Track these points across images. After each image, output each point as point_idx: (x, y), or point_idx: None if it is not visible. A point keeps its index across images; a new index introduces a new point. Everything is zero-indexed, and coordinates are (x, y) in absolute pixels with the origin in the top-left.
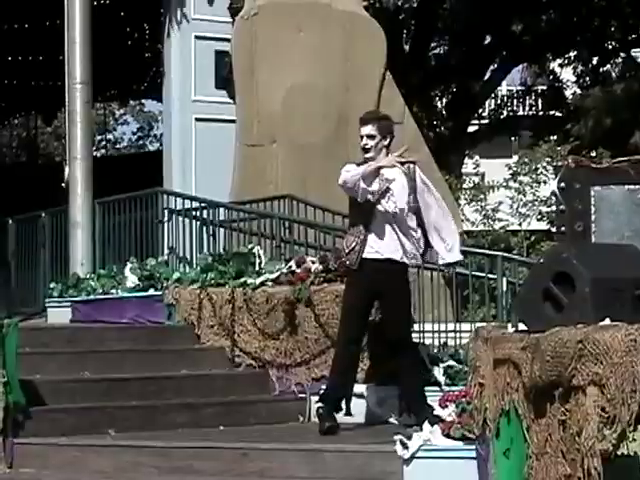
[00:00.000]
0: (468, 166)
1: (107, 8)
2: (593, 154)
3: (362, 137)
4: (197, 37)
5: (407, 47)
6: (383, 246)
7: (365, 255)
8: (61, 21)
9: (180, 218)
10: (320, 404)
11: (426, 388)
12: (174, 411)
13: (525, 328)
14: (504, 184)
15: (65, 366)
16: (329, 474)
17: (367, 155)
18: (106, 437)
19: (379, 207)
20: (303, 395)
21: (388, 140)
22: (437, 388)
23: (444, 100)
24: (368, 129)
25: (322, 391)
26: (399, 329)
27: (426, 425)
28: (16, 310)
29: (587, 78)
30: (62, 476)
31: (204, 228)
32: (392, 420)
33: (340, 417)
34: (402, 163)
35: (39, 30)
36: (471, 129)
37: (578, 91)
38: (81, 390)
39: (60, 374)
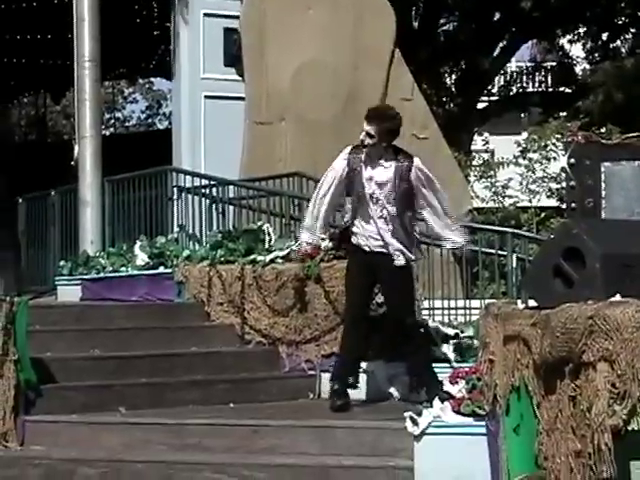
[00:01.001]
0: (477, 143)
1: None
2: (603, 130)
3: (363, 130)
4: (206, 14)
5: (416, 24)
6: (372, 241)
7: (358, 242)
8: None
9: (189, 196)
10: (332, 381)
11: (436, 365)
12: (184, 388)
13: (535, 304)
14: (513, 161)
15: (75, 344)
16: (339, 450)
17: (364, 149)
18: (116, 414)
19: (368, 209)
20: (313, 372)
21: (387, 141)
22: (447, 364)
23: (453, 77)
24: (369, 128)
25: (332, 368)
26: (400, 312)
27: (436, 401)
28: (26, 288)
29: (597, 54)
30: (73, 453)
31: (213, 206)
32: (398, 396)
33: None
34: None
35: (47, 8)
36: (480, 106)
37: (588, 67)
38: (91, 368)
39: (70, 352)
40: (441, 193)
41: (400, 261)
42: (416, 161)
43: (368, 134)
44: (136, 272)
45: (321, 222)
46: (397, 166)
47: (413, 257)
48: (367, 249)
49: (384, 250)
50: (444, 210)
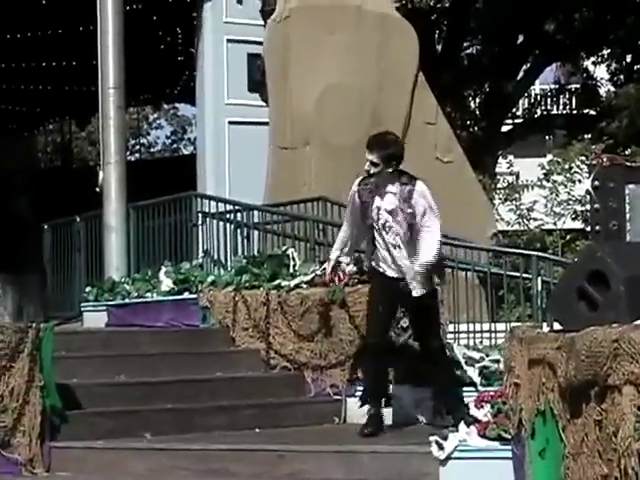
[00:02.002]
0: (502, 166)
1: (139, 13)
2: (627, 152)
3: (367, 160)
4: (229, 40)
5: (439, 47)
6: (391, 270)
7: (379, 268)
8: (94, 26)
9: (214, 221)
10: (367, 406)
11: (462, 388)
12: (210, 414)
13: (560, 328)
14: (538, 183)
15: (101, 370)
16: (365, 475)
17: (371, 180)
18: (142, 440)
19: (382, 238)
20: (338, 397)
21: (393, 166)
22: (473, 388)
23: (477, 100)
24: (372, 156)
25: (361, 394)
26: (425, 337)
27: (462, 426)
28: (52, 314)
29: (621, 76)
30: (99, 479)
31: (238, 231)
32: (425, 420)
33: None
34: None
35: (72, 36)
36: (505, 129)
37: (612, 89)
38: (117, 394)
39: (96, 378)
40: (431, 232)
41: (417, 292)
42: (419, 185)
43: (372, 163)
44: (161, 298)
45: (336, 245)
46: (400, 190)
47: (427, 287)
48: (388, 274)
49: (400, 276)
50: (423, 251)
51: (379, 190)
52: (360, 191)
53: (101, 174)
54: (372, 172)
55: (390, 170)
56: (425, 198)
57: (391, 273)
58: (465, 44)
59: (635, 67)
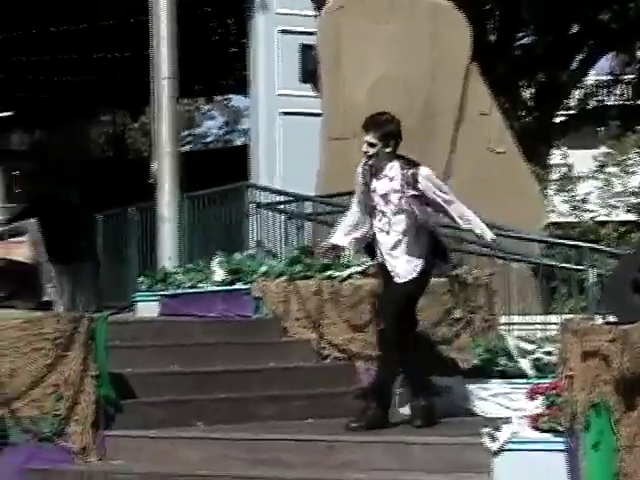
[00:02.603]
0: (555, 157)
1: (192, 4)
2: None
3: (364, 142)
4: (282, 31)
5: (492, 37)
6: (380, 257)
7: (379, 257)
8: (147, 18)
9: (267, 212)
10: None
11: (514, 380)
12: (261, 404)
13: (614, 320)
14: (592, 175)
15: (154, 359)
16: (416, 466)
17: (369, 162)
18: (195, 430)
19: (375, 222)
20: None
21: (392, 146)
22: (525, 380)
23: (530, 90)
24: (369, 137)
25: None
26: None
27: (515, 417)
28: (105, 304)
29: None
30: (152, 468)
31: (290, 221)
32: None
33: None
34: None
35: (126, 27)
36: (558, 120)
37: None
38: (170, 383)
39: (149, 367)
40: (454, 204)
41: (398, 279)
42: (423, 170)
43: (369, 144)
44: (214, 288)
45: (340, 227)
46: (403, 174)
47: (414, 274)
48: (381, 261)
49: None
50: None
51: (376, 173)
52: (364, 172)
53: (154, 165)
54: (370, 153)
55: (388, 150)
56: (432, 181)
57: (382, 259)
58: (518, 34)
59: None
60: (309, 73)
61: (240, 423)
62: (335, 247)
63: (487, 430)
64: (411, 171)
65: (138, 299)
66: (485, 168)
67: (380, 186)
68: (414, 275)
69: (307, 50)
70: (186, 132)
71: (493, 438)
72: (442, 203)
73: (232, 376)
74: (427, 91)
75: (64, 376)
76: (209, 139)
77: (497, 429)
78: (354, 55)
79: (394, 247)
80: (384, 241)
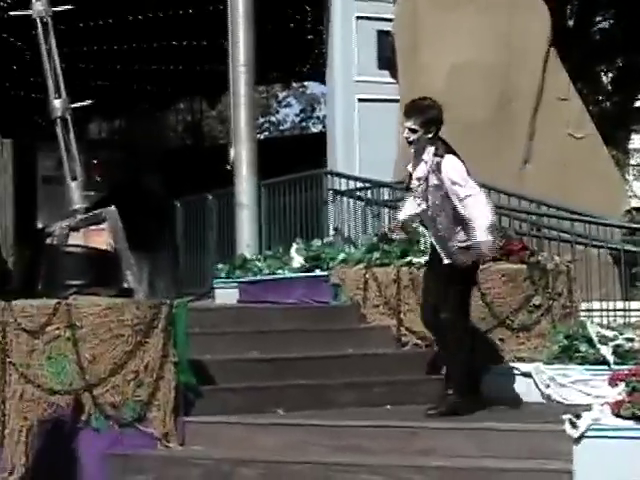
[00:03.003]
0: (635, 141)
1: None
2: None
3: (405, 128)
4: (359, 17)
5: (571, 22)
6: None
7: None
8: (224, 6)
9: (344, 199)
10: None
11: (594, 367)
12: (340, 390)
13: None
14: None
15: (233, 346)
16: (497, 453)
17: (410, 148)
18: (273, 416)
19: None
20: None
21: (433, 132)
22: (605, 367)
23: (609, 75)
24: (410, 123)
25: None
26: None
27: (596, 404)
28: (185, 291)
29: None
30: (232, 454)
31: (368, 208)
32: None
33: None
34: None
35: (202, 15)
36: (638, 104)
37: None
38: (249, 370)
39: (228, 354)
40: (473, 205)
41: (445, 260)
42: (446, 159)
43: (410, 129)
44: (292, 275)
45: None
46: (431, 160)
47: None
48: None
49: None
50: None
51: (416, 157)
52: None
53: (232, 152)
54: (411, 139)
55: (429, 136)
56: (449, 173)
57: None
58: (597, 18)
59: None
60: (386, 60)
61: (318, 410)
62: (402, 224)
63: (568, 417)
64: (437, 159)
65: (217, 286)
66: (564, 153)
67: (418, 170)
68: (449, 260)
69: (384, 37)
70: (262, 119)
71: (574, 425)
72: (455, 198)
73: (311, 363)
74: (505, 77)
75: (144, 362)
76: (285, 126)
77: (578, 416)
78: (431, 41)
79: (432, 230)
80: (427, 223)
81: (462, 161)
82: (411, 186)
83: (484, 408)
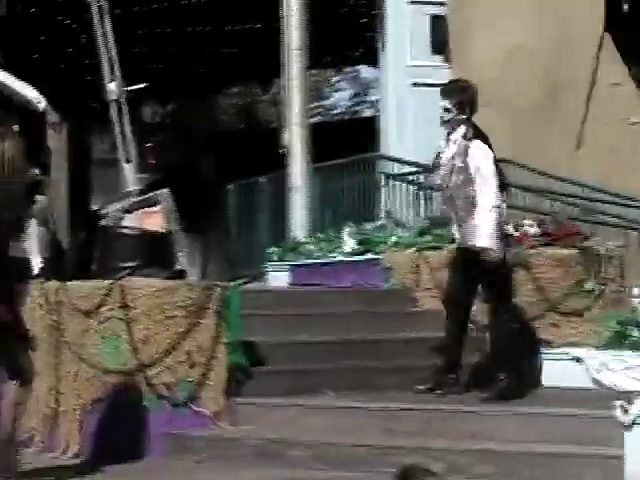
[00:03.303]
0: None
1: None
2: None
3: (442, 108)
4: (412, 2)
5: (625, 6)
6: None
7: None
8: None
9: (396, 183)
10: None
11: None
12: (390, 373)
13: None
14: None
15: (285, 328)
16: (545, 437)
17: (444, 127)
18: (324, 397)
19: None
20: None
21: (468, 112)
22: None
23: None
24: (445, 102)
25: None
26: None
27: None
28: (237, 273)
29: None
30: (282, 434)
31: (420, 192)
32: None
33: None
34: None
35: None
36: None
37: None
38: (300, 352)
39: (280, 336)
40: (486, 187)
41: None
42: (474, 143)
43: (445, 109)
44: (344, 258)
45: None
46: (459, 143)
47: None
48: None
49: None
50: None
51: (448, 138)
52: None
53: (285, 135)
54: (446, 119)
55: (463, 117)
56: (474, 160)
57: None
58: None
59: None
60: (440, 44)
61: (367, 392)
62: None
63: (619, 403)
64: (465, 143)
65: (269, 269)
66: (618, 138)
67: (447, 151)
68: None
69: (437, 21)
70: (315, 104)
71: (626, 411)
72: (476, 184)
73: (361, 345)
74: (558, 62)
75: (197, 344)
76: (337, 110)
77: (630, 402)
78: (484, 26)
79: (452, 211)
80: (446, 204)
81: (491, 148)
82: (440, 164)
83: (531, 393)
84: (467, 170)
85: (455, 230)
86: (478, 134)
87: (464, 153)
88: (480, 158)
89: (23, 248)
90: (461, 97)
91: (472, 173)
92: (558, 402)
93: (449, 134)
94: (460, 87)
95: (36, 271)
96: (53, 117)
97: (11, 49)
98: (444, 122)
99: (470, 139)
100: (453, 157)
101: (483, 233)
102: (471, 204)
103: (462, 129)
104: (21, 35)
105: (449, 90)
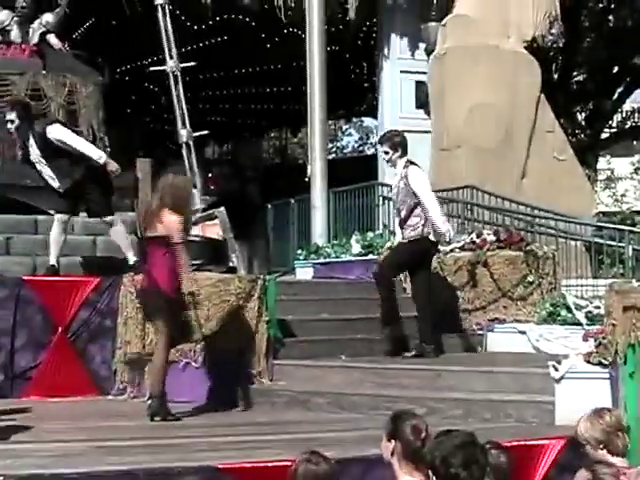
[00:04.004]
0: (602, 163)
1: (337, 52)
2: None
3: (382, 152)
4: (402, 71)
5: (555, 75)
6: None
7: None
8: (304, 62)
9: (391, 203)
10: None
11: (571, 327)
12: (383, 342)
13: None
14: (629, 176)
15: (310, 309)
16: (501, 389)
17: (389, 165)
18: (339, 360)
19: None
20: (481, 332)
21: (400, 151)
22: (580, 327)
23: (583, 115)
24: (384, 147)
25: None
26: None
27: (572, 354)
28: (274, 269)
29: None
30: (307, 387)
31: None
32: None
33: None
34: None
35: (288, 69)
36: (604, 135)
37: None
38: (321, 327)
39: (306, 315)
40: (426, 202)
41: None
42: (410, 169)
43: (384, 152)
44: (352, 258)
45: None
46: (402, 172)
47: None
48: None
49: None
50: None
51: (395, 171)
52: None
53: (309, 168)
54: (386, 159)
55: (399, 154)
56: (412, 181)
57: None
58: (574, 73)
59: None
60: (422, 102)
61: (372, 356)
62: None
63: (552, 363)
64: (405, 170)
65: (297, 266)
66: (551, 171)
67: (394, 179)
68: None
69: (420, 85)
70: (331, 145)
71: (556, 369)
72: (421, 198)
73: (366, 322)
74: (509, 115)
75: (245, 320)
76: (347, 150)
77: (559, 363)
78: (455, 89)
79: (398, 218)
80: (395, 215)
81: (422, 171)
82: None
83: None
84: (408, 188)
85: (398, 231)
86: (412, 163)
87: (405, 177)
88: (415, 178)
89: None
90: (393, 142)
91: (412, 189)
92: (508, 363)
93: (394, 168)
94: (391, 135)
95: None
96: (112, 166)
97: (111, 107)
98: (387, 162)
99: (407, 167)
100: (398, 183)
101: (439, 223)
102: (411, 211)
103: (401, 162)
104: (119, 97)
105: (385, 138)
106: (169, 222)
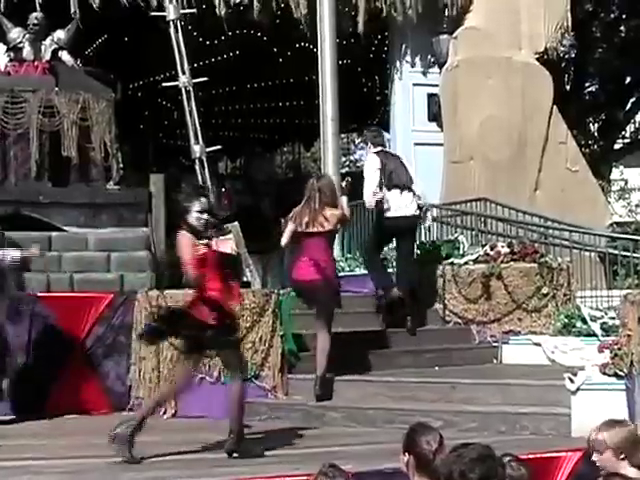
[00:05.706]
0: (615, 174)
1: (349, 66)
2: None
3: None
4: (414, 84)
5: (568, 87)
6: None
7: None
8: (317, 76)
9: None
10: None
11: (586, 339)
12: (401, 356)
13: None
14: None
15: None
16: (516, 401)
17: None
18: (354, 375)
19: None
20: (496, 344)
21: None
22: (595, 338)
23: (596, 125)
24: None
25: None
26: None
27: (588, 365)
28: (287, 284)
29: None
30: (322, 401)
31: (422, 223)
32: None
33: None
34: None
35: (301, 83)
36: (617, 146)
37: None
38: (334, 340)
39: None
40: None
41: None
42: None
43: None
44: (365, 272)
45: None
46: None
47: None
48: None
49: None
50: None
51: None
52: None
53: None
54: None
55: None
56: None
57: None
58: (587, 84)
59: None
60: (434, 115)
61: (386, 370)
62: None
63: (567, 375)
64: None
65: None
66: (564, 183)
67: None
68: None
69: (432, 97)
70: (344, 158)
71: (572, 381)
72: None
73: (379, 335)
74: (521, 127)
75: (259, 335)
76: (360, 164)
77: (575, 374)
78: (466, 101)
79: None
80: None
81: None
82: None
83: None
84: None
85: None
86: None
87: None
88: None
89: None
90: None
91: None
92: (523, 375)
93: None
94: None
95: None
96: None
97: (124, 123)
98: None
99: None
100: None
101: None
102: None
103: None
104: (131, 113)
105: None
106: (332, 216)
